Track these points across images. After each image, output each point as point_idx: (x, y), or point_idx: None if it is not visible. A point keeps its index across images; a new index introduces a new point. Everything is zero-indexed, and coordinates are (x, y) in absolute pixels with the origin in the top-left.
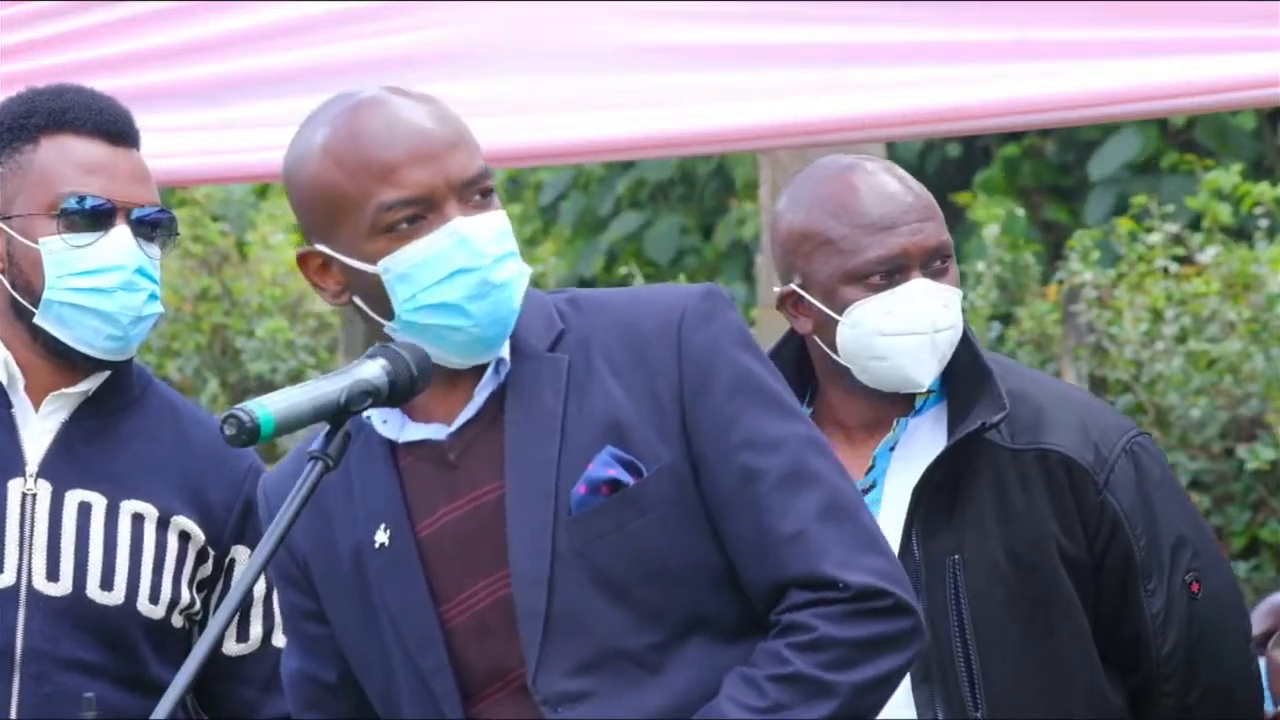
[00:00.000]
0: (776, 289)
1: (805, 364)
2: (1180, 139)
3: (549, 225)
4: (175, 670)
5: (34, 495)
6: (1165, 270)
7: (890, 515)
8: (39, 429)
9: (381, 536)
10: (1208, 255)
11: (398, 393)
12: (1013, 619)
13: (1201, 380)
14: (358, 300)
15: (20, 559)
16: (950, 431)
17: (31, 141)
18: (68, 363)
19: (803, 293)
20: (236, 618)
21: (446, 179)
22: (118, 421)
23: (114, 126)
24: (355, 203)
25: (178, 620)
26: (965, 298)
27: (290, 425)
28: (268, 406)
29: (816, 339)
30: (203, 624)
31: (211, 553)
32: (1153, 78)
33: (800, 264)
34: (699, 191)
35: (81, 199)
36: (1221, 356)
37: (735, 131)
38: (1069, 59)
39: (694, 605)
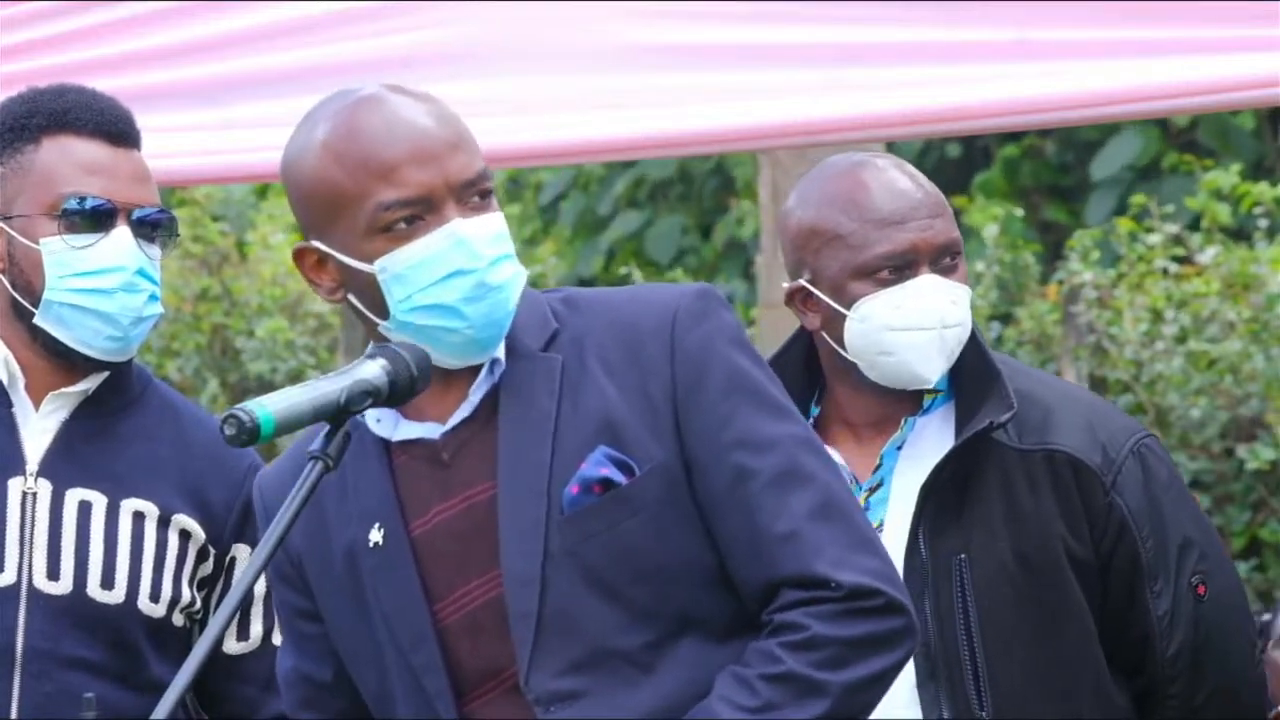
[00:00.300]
0: (785, 285)
1: (814, 363)
2: (1182, 139)
3: (549, 225)
4: (176, 669)
5: (34, 494)
6: (1165, 270)
7: (897, 514)
8: (39, 428)
9: (375, 535)
10: (1207, 255)
11: (398, 393)
12: (1019, 619)
13: (1201, 380)
14: (352, 298)
15: (21, 558)
16: (958, 431)
17: (33, 142)
18: (67, 363)
19: (812, 288)
20: (237, 616)
21: (446, 180)
22: (117, 421)
23: (115, 127)
24: (353, 201)
25: (178, 619)
26: None
27: (290, 425)
28: (268, 406)
29: (825, 335)
30: (203, 623)
31: (212, 551)
32: (1153, 78)
33: (810, 259)
34: (698, 191)
35: (82, 199)
36: (1221, 356)
37: (735, 131)
38: (1069, 59)
39: (686, 605)
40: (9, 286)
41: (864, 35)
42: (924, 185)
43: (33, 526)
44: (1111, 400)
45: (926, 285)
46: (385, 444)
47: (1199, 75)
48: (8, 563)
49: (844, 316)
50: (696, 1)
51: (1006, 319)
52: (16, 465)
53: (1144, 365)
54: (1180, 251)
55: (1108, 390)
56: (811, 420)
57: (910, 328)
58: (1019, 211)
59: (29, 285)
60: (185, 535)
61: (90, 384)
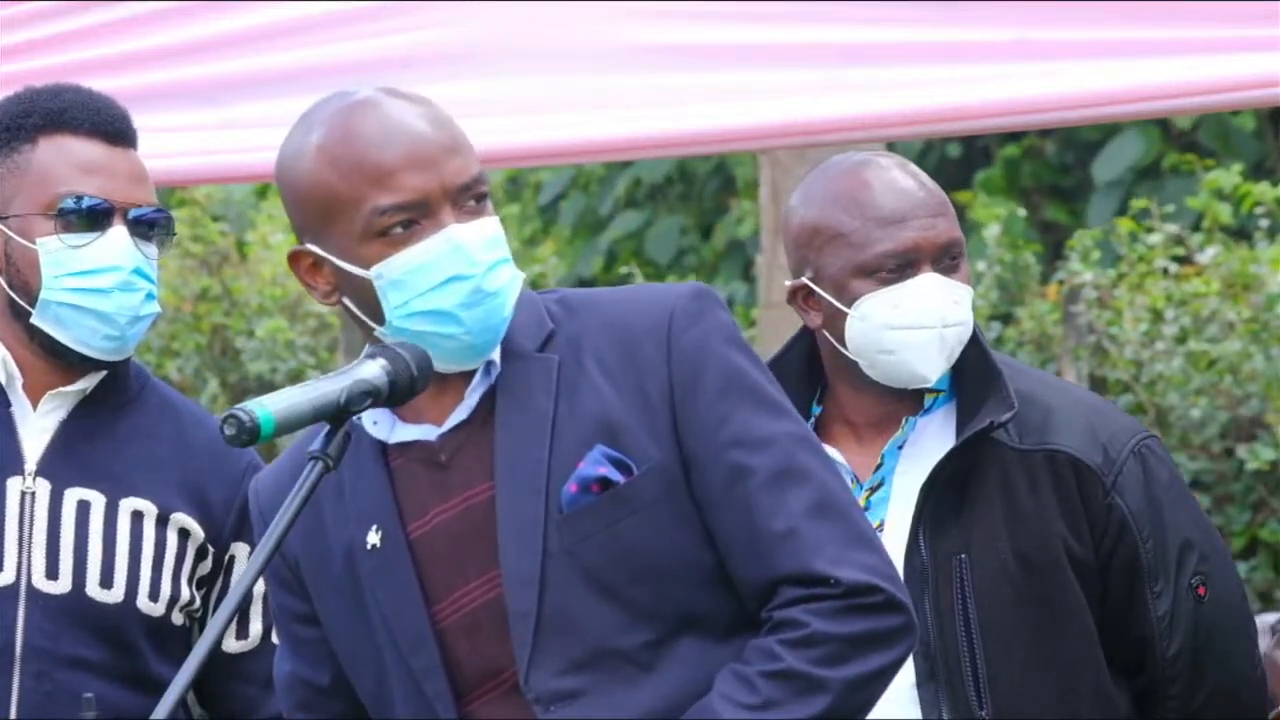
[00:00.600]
0: (787, 283)
1: (815, 363)
2: (1183, 140)
3: (549, 225)
4: (175, 668)
5: (33, 493)
6: (1165, 270)
7: (898, 514)
8: (37, 427)
9: (373, 538)
10: (1208, 255)
11: (398, 393)
12: (1019, 619)
13: (1201, 380)
14: (347, 301)
15: (20, 557)
16: (959, 431)
17: (29, 141)
18: (65, 362)
19: (814, 286)
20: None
21: (442, 184)
22: (116, 420)
23: (112, 126)
24: (349, 205)
25: (178, 618)
26: None
27: (290, 425)
28: (268, 406)
29: (826, 333)
30: (202, 621)
31: (211, 550)
32: (1153, 78)
33: (812, 258)
34: (698, 191)
35: (79, 199)
36: (1221, 356)
37: (735, 131)
38: (1069, 59)
39: (685, 603)
40: (6, 286)
41: (864, 35)
42: (927, 184)
43: (31, 526)
44: (1111, 400)
45: (927, 284)
46: (382, 446)
47: (1199, 75)
48: (6, 562)
49: (845, 315)
50: (696, 1)
51: (1007, 319)
52: (15, 465)
53: (1144, 365)
54: (1180, 251)
55: (1108, 390)
56: (813, 420)
57: (910, 326)
58: (1022, 211)
59: (26, 285)
60: (184, 534)
61: (88, 383)
